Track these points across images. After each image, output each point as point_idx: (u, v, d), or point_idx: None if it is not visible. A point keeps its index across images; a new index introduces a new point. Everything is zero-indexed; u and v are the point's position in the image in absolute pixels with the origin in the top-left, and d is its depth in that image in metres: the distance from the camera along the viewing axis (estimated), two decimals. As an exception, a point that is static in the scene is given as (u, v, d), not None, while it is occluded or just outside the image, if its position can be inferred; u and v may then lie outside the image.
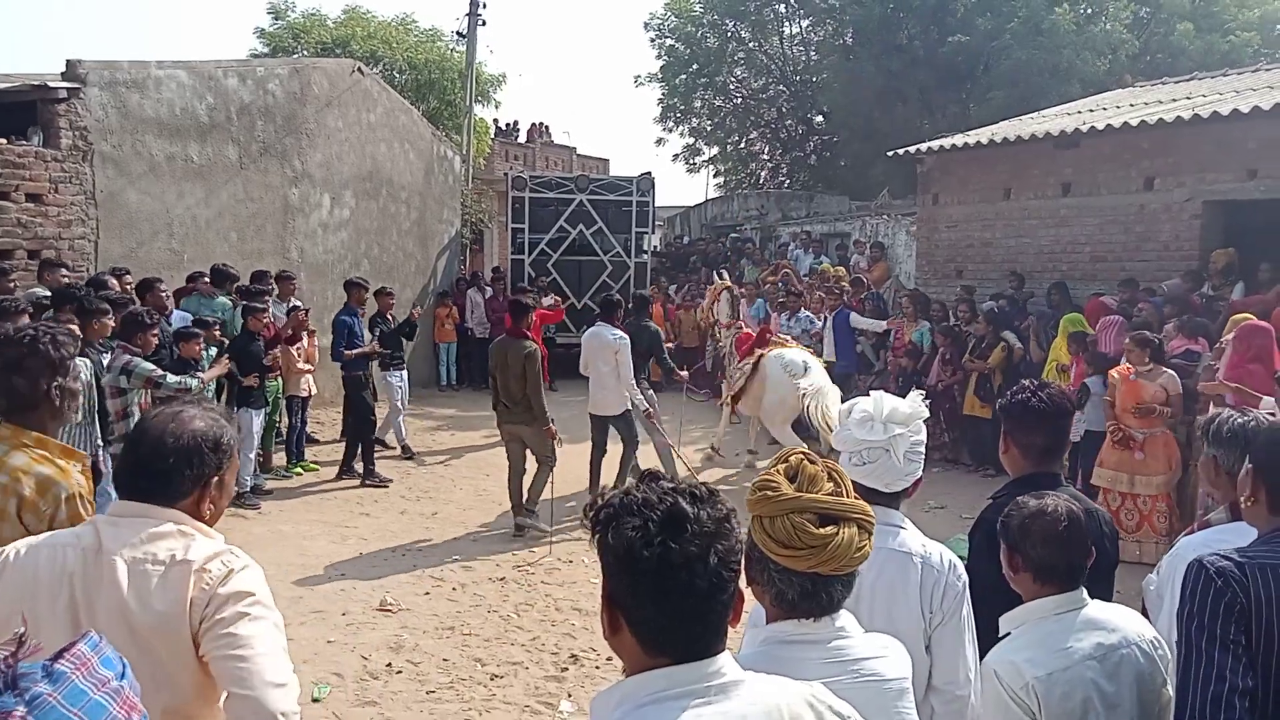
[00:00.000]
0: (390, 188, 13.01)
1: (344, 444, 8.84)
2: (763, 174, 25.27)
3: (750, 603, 1.65)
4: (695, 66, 23.56)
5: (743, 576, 1.33)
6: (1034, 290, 9.88)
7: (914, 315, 10.02)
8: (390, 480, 8.55)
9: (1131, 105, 11.02)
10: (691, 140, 25.43)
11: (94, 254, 8.45)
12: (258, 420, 7.67)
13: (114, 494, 1.97)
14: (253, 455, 7.63)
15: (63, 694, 1.02)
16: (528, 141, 31.22)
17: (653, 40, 24.04)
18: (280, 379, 8.33)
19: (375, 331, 9.09)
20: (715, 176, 27.61)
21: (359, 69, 12.46)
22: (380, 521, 7.37)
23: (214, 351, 7.29)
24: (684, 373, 8.92)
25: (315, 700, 4.42)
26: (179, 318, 7.57)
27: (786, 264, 13.34)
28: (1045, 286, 9.73)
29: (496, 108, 33.49)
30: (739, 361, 8.78)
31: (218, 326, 7.51)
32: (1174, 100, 10.46)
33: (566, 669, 4.88)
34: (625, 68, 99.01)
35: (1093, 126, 9.59)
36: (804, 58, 23.38)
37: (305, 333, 8.76)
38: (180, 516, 1.86)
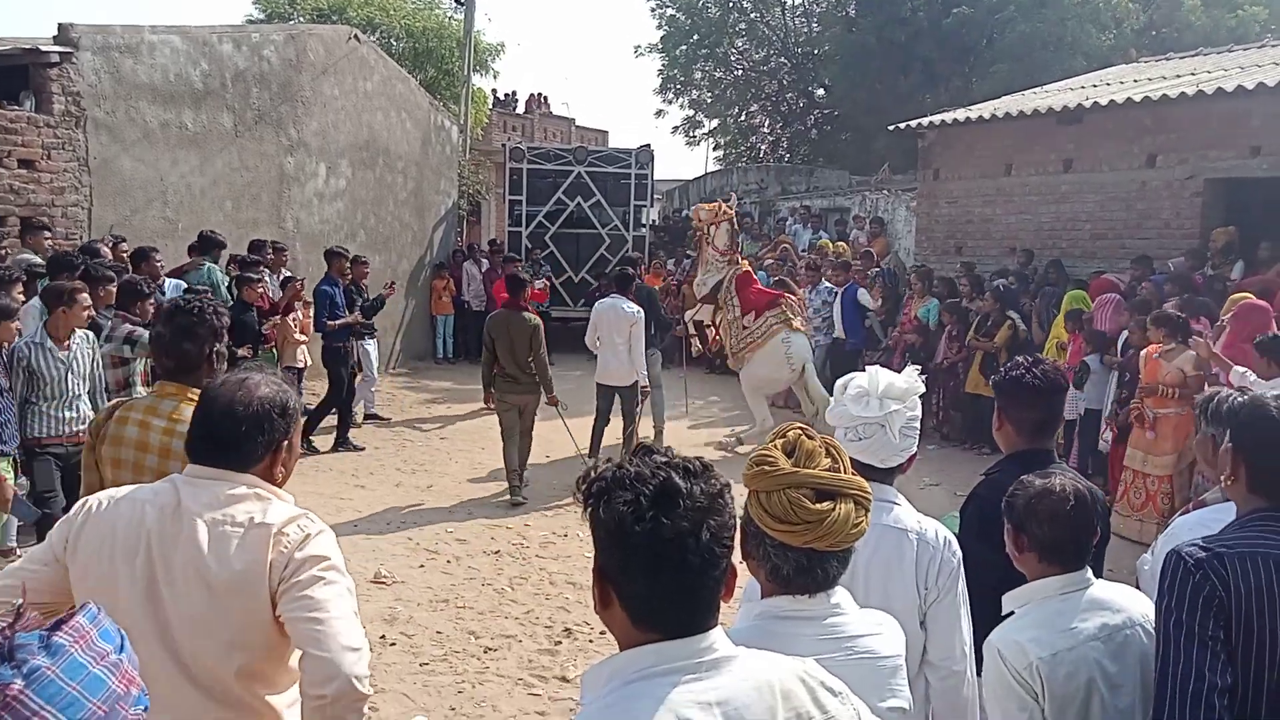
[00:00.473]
0: (387, 157, 12.90)
1: (335, 416, 8.84)
2: (763, 147, 25.08)
3: (744, 577, 1.64)
4: (696, 37, 23.31)
5: (736, 552, 1.31)
6: (1037, 267, 9.84)
7: (921, 291, 9.97)
8: (363, 447, 8.69)
9: (1135, 81, 10.93)
10: (691, 113, 25.21)
11: (87, 221, 8.38)
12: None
13: None
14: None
15: (61, 667, 1.00)
16: (526, 112, 30.93)
17: (653, 10, 23.77)
18: (275, 350, 8.30)
19: (357, 301, 9.06)
20: (715, 150, 27.44)
21: (355, 36, 12.30)
22: (375, 494, 7.38)
23: None
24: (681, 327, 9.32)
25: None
26: (172, 287, 7.51)
27: (785, 239, 13.27)
28: (1045, 263, 9.70)
29: (495, 77, 33.17)
30: (745, 315, 8.71)
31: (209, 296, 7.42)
32: (1178, 76, 10.37)
33: (560, 642, 4.90)
34: (625, 38, 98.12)
35: (1095, 102, 9.50)
36: (806, 29, 23.14)
37: (300, 304, 8.72)
38: (255, 480, 1.92)
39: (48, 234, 7.30)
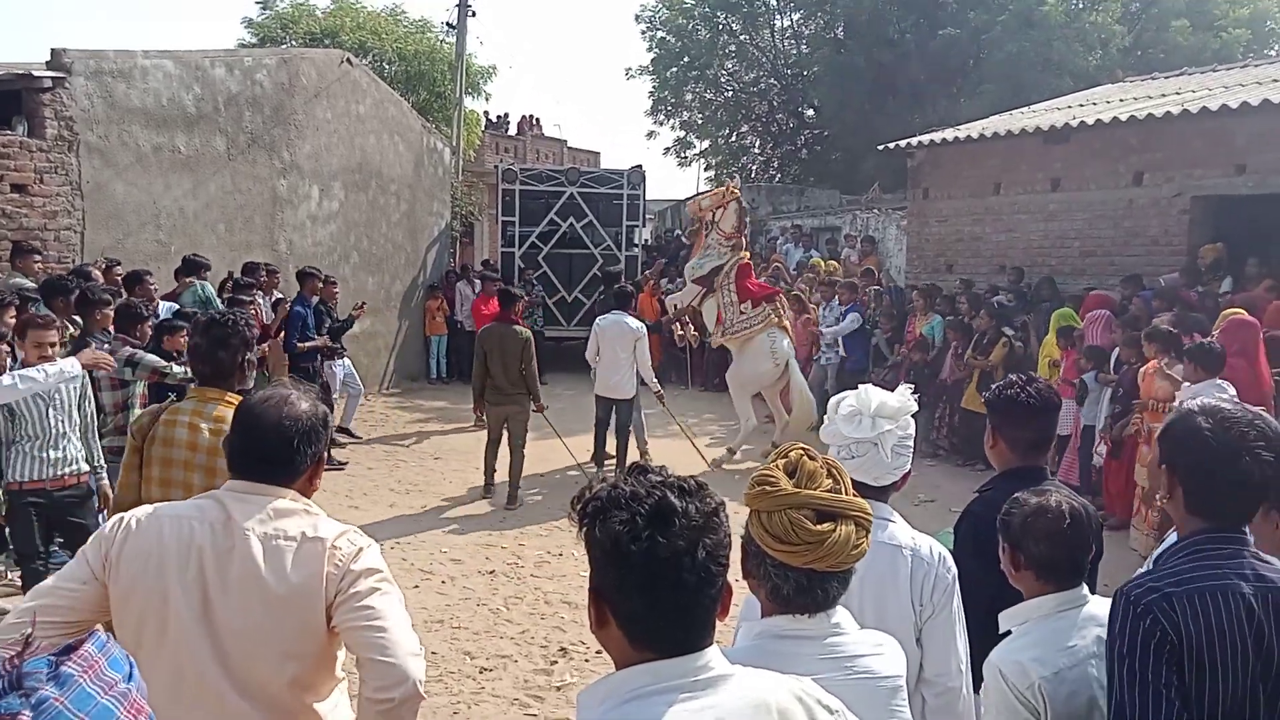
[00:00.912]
0: (380, 180, 12.93)
1: None
2: (753, 168, 25.23)
3: (742, 596, 1.64)
4: (686, 59, 23.48)
5: (731, 570, 1.32)
6: (1030, 284, 9.90)
7: (924, 309, 10.00)
8: (345, 464, 8.75)
9: (1121, 100, 11.05)
10: (682, 134, 25.37)
11: (80, 245, 8.37)
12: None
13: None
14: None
15: (70, 698, 0.98)
16: (518, 134, 31.09)
17: (644, 32, 23.95)
18: (266, 373, 8.28)
19: (325, 322, 9.06)
20: (706, 170, 27.59)
21: (348, 60, 12.37)
22: (369, 514, 7.34)
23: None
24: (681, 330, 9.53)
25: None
26: (165, 309, 7.49)
27: (777, 258, 13.33)
28: (1035, 281, 9.75)
29: (487, 100, 33.37)
30: (744, 304, 8.76)
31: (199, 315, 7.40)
32: (1163, 95, 10.49)
33: (556, 662, 4.88)
34: (616, 60, 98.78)
35: (1082, 121, 9.60)
36: (795, 51, 23.34)
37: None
38: (296, 495, 1.99)
39: (38, 258, 7.24)
